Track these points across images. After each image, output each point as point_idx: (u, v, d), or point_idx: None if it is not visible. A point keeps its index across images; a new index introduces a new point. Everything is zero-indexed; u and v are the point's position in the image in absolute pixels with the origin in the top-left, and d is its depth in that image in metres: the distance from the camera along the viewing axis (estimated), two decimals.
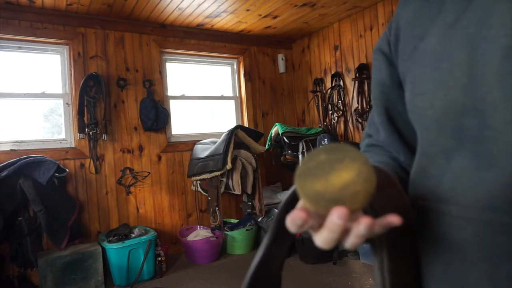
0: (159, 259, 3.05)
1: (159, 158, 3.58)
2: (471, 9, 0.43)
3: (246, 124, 4.15)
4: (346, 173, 0.35)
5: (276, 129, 3.85)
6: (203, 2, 3.13)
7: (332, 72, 3.96)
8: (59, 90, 3.26)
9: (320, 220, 0.37)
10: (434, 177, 0.47)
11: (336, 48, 3.96)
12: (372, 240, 0.45)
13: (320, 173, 0.36)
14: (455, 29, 0.44)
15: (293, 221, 0.36)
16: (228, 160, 3.13)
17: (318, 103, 4.08)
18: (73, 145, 3.21)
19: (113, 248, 2.83)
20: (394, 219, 0.37)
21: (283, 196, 3.60)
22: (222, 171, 3.16)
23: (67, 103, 3.25)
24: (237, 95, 4.25)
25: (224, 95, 4.20)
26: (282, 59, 4.38)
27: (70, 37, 3.20)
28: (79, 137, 3.16)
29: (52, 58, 3.26)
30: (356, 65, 3.68)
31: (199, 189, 3.46)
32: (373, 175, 0.35)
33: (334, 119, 3.93)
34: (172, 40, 3.72)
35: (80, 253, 2.77)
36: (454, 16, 0.45)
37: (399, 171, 0.56)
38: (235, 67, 4.27)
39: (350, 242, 0.37)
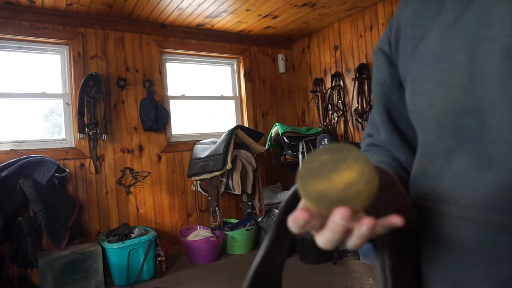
0: (159, 259, 3.05)
1: (159, 158, 3.58)
2: (471, 9, 0.43)
3: (246, 124, 4.15)
4: (349, 174, 0.35)
5: (276, 129, 3.85)
6: (203, 2, 3.13)
7: (332, 72, 3.96)
8: (59, 90, 3.26)
9: (322, 221, 0.37)
10: (434, 177, 0.47)
11: (336, 48, 3.96)
12: (373, 240, 0.45)
13: (322, 173, 0.36)
14: (455, 29, 0.45)
15: (295, 221, 0.36)
16: (228, 160, 3.13)
17: (318, 103, 4.08)
18: (73, 145, 3.21)
19: (113, 248, 2.83)
20: (396, 220, 0.37)
21: (283, 196, 3.60)
22: (222, 171, 3.16)
23: (67, 103, 3.25)
24: (237, 95, 4.25)
25: (224, 95, 4.20)
26: (282, 59, 4.38)
27: (70, 37, 3.20)
28: (79, 137, 3.16)
29: (52, 58, 3.26)
30: (356, 65, 3.68)
31: (199, 189, 3.46)
32: (375, 176, 0.35)
33: (334, 119, 3.93)
34: (172, 40, 3.72)
35: (80, 253, 2.77)
36: (454, 16, 0.45)
37: (400, 171, 0.56)
38: (235, 67, 4.27)
39: (352, 242, 0.37)
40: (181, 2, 3.11)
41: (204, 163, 3.30)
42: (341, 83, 3.86)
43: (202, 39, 3.88)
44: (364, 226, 0.35)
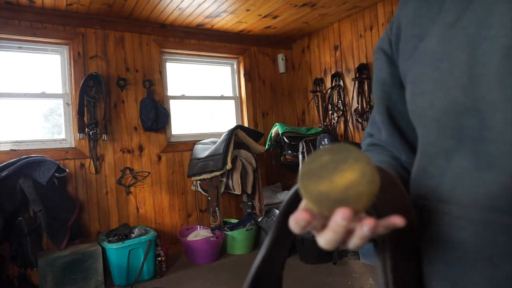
0: (159, 259, 3.05)
1: (159, 158, 3.58)
2: (471, 9, 0.43)
3: (246, 124, 4.15)
4: (350, 174, 0.35)
5: (276, 129, 3.85)
6: (203, 2, 3.13)
7: (332, 72, 3.96)
8: (59, 90, 3.26)
9: (323, 221, 0.37)
10: (435, 177, 0.47)
11: (336, 48, 3.96)
12: (374, 240, 0.45)
13: (323, 174, 0.36)
14: (455, 29, 0.45)
15: (297, 222, 0.36)
16: (228, 160, 3.14)
17: (318, 103, 4.08)
18: (73, 145, 3.21)
19: (113, 248, 2.83)
20: (397, 220, 0.37)
21: (283, 196, 3.60)
22: (222, 171, 3.16)
23: (67, 103, 3.25)
24: (237, 95, 4.25)
25: (224, 95, 4.20)
26: (282, 59, 4.38)
27: (70, 37, 3.20)
28: (79, 137, 3.16)
29: (52, 58, 3.26)
30: (356, 65, 3.68)
31: (199, 189, 3.46)
32: (377, 176, 0.35)
33: (334, 119, 3.93)
34: (172, 40, 3.72)
35: (80, 253, 2.77)
36: (454, 16, 0.45)
37: (401, 171, 0.56)
38: (235, 67, 4.27)
39: (353, 243, 0.37)
40: (181, 2, 3.11)
41: (204, 163, 3.30)
42: (341, 83, 3.86)
43: (202, 39, 3.88)
44: (365, 227, 0.35)
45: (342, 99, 3.84)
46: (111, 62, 3.38)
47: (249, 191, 3.44)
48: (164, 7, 3.20)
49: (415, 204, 0.49)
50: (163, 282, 2.93)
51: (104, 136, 3.27)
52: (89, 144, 3.19)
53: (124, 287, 2.89)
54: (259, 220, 3.58)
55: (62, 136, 3.24)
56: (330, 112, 3.94)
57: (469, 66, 0.42)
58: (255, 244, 3.58)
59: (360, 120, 3.63)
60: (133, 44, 3.51)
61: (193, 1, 3.11)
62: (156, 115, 3.41)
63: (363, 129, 3.66)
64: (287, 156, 3.74)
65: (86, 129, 3.14)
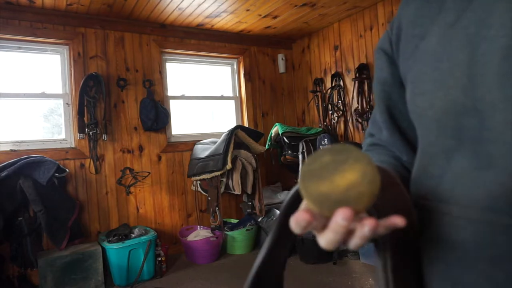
0: (159, 259, 3.05)
1: (159, 158, 3.58)
2: (471, 9, 0.43)
3: (246, 124, 4.15)
4: (351, 174, 0.35)
5: (276, 129, 3.85)
6: (203, 2, 3.13)
7: (332, 72, 3.96)
8: (59, 90, 3.26)
9: (324, 221, 0.37)
10: (435, 177, 0.47)
11: (336, 48, 3.96)
12: (375, 240, 0.46)
13: (324, 174, 0.36)
14: (455, 29, 0.45)
15: (297, 222, 0.36)
16: (228, 160, 3.13)
17: (318, 103, 4.08)
18: (73, 145, 3.21)
19: (113, 248, 2.83)
20: (398, 221, 0.37)
21: (283, 196, 3.59)
22: (222, 171, 3.16)
23: (67, 103, 3.25)
24: (237, 95, 4.25)
25: (224, 95, 4.20)
26: (282, 59, 4.38)
27: (70, 37, 3.20)
28: (79, 137, 3.16)
29: (52, 58, 3.26)
30: (356, 65, 3.68)
31: (199, 189, 3.46)
32: (378, 176, 0.35)
33: (334, 119, 3.93)
34: (172, 40, 3.72)
35: (80, 253, 2.77)
36: (454, 16, 0.45)
37: (402, 171, 0.56)
38: (235, 67, 4.27)
39: (354, 243, 0.37)
40: (181, 2, 3.11)
41: (204, 163, 3.30)
42: (341, 83, 3.86)
43: (202, 39, 3.88)
44: (366, 227, 0.35)
45: (342, 99, 3.84)
46: (111, 62, 3.38)
47: (249, 191, 3.44)
48: (164, 7, 3.20)
49: (415, 204, 0.49)
50: (163, 282, 2.94)
51: (104, 136, 3.27)
52: (89, 144, 3.19)
53: (124, 287, 2.89)
54: (259, 220, 3.58)
55: (62, 136, 3.24)
56: (330, 112, 3.94)
57: (469, 66, 0.42)
58: (255, 244, 3.58)
59: (360, 120, 3.63)
60: (133, 44, 3.51)
61: (193, 1, 3.11)
62: (156, 115, 3.41)
63: (363, 129, 3.66)
64: (287, 156, 3.74)
65: (86, 129, 3.14)
